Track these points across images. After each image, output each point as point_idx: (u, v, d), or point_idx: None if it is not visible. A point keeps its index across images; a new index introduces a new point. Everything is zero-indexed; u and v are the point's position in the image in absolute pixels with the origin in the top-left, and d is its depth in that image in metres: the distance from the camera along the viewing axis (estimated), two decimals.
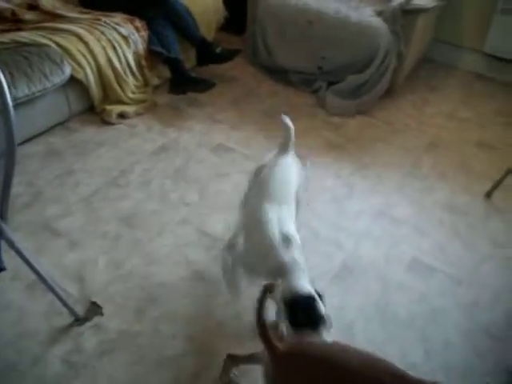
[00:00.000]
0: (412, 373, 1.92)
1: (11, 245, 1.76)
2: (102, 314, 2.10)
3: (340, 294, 2.22)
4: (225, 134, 3.15)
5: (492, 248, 2.51)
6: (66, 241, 2.40)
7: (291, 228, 1.80)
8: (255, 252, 1.80)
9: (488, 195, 2.81)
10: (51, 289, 1.96)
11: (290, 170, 2.01)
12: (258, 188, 1.93)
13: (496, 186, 2.77)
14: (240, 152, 3.02)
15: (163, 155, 2.95)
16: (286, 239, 1.74)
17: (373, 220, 2.62)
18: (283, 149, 2.06)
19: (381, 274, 2.33)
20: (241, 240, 1.95)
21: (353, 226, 2.57)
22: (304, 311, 1.57)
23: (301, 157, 2.96)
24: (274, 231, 1.75)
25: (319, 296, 1.63)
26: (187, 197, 2.67)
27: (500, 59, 3.84)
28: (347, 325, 2.10)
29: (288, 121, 2.07)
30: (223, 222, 2.52)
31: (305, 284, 1.65)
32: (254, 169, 2.08)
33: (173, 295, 2.17)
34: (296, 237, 1.79)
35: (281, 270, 1.67)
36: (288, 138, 2.06)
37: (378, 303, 2.20)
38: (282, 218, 1.80)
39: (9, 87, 2.75)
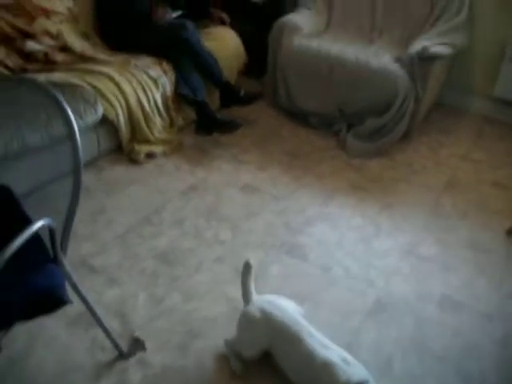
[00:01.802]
0: None
1: (69, 279, 1.82)
2: (145, 349, 2.13)
3: (376, 330, 2.28)
4: (251, 174, 3.25)
5: None
6: (104, 278, 2.45)
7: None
8: None
9: (509, 233, 2.90)
10: (99, 322, 2.01)
11: (282, 308, 2.02)
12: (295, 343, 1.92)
13: None
14: (267, 192, 3.11)
15: (193, 194, 3.04)
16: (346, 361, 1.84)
17: (401, 258, 2.69)
18: (248, 298, 2.08)
19: (413, 310, 2.39)
20: None
21: (382, 264, 2.64)
22: None
23: (326, 196, 3.09)
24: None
25: None
26: (221, 235, 2.75)
27: (508, 103, 4.00)
28: (386, 359, 2.15)
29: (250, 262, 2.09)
30: (258, 259, 2.59)
31: None
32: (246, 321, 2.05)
33: (215, 330, 2.21)
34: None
35: None
36: (248, 284, 2.09)
37: (413, 338, 2.25)
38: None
39: (46, 126, 2.87)
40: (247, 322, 2.02)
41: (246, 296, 2.08)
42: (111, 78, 3.16)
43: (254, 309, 2.00)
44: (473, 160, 3.61)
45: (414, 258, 2.70)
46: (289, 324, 1.92)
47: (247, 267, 2.07)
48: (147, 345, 2.15)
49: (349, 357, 1.86)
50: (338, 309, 2.37)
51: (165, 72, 3.43)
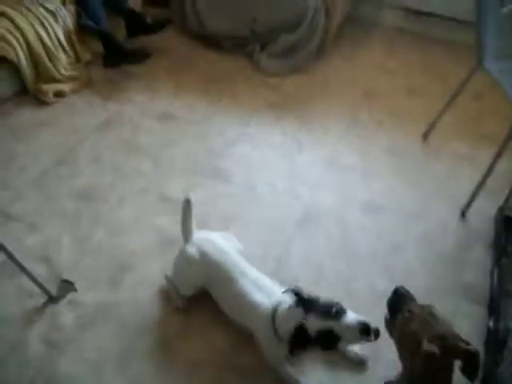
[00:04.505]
0: (381, 301, 2.06)
1: None
2: (75, 290, 2.08)
3: (305, 240, 2.33)
4: (166, 103, 3.14)
5: (435, 185, 2.68)
6: (23, 224, 2.34)
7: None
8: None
9: (425, 137, 2.99)
10: (21, 267, 1.93)
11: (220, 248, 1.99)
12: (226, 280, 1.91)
13: (431, 127, 2.95)
14: (185, 118, 3.03)
15: (109, 129, 2.92)
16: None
17: (324, 169, 2.73)
18: (187, 237, 2.02)
19: (339, 218, 2.45)
20: None
21: (306, 178, 2.68)
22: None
23: (245, 117, 3.05)
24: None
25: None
26: (142, 166, 2.68)
27: (417, 12, 4.01)
28: (317, 267, 2.21)
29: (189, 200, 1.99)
30: (183, 185, 2.55)
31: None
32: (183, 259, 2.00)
33: (146, 262, 2.19)
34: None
35: None
36: (188, 222, 2.01)
37: (341, 245, 2.32)
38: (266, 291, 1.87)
39: None
40: (184, 261, 1.98)
41: (186, 235, 2.01)
42: (4, 15, 2.93)
43: (192, 248, 1.96)
44: (387, 70, 3.63)
45: (337, 168, 2.75)
46: (223, 265, 1.91)
47: (187, 204, 1.97)
48: (77, 285, 2.10)
49: (277, 292, 1.84)
50: (267, 225, 2.39)
51: (63, 3, 3.21)
